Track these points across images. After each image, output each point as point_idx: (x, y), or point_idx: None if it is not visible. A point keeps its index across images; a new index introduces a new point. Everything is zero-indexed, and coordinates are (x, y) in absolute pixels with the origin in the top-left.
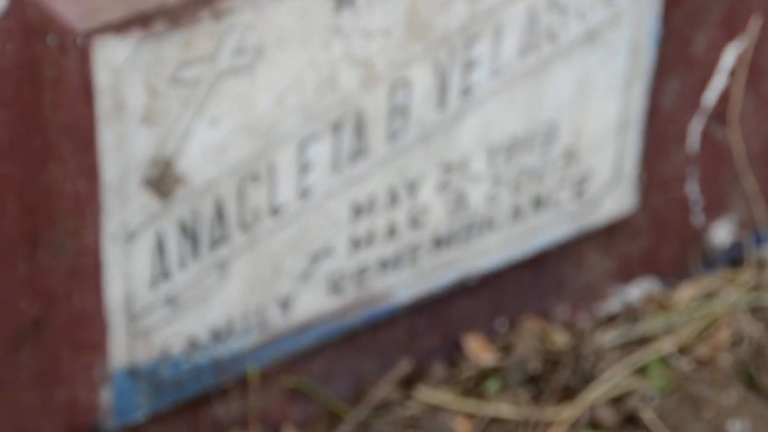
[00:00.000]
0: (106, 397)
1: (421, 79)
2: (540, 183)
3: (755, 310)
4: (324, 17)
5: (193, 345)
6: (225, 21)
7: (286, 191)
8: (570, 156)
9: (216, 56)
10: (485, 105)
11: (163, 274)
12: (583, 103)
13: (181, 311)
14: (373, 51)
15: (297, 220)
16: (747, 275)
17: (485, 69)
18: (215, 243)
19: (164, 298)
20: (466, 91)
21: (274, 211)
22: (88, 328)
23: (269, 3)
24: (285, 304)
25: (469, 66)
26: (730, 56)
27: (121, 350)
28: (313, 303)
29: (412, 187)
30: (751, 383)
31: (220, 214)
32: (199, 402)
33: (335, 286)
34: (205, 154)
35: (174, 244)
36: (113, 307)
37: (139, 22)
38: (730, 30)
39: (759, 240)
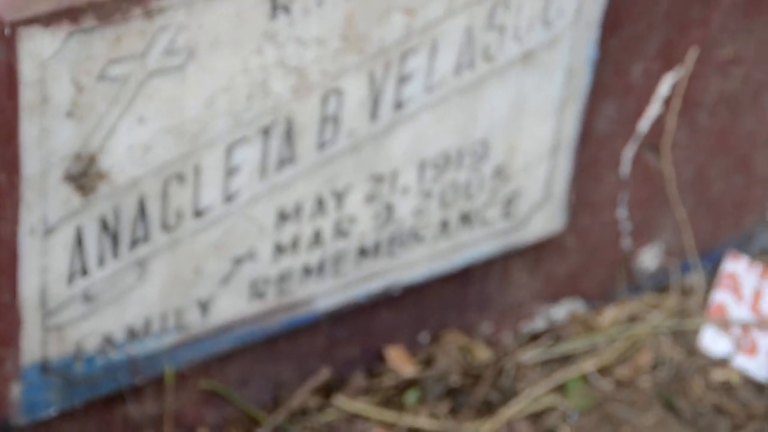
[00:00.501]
0: (16, 392)
1: (355, 90)
2: (469, 199)
3: (677, 335)
4: (259, 22)
5: (109, 343)
6: (157, 20)
7: (211, 194)
8: (501, 174)
9: (146, 55)
10: (417, 119)
11: (81, 270)
12: (516, 123)
13: (97, 308)
14: (307, 59)
15: (221, 223)
16: (671, 301)
17: (419, 83)
18: (136, 242)
19: (81, 295)
20: (399, 105)
21: (198, 213)
22: (1, 321)
23: (203, 4)
24: (204, 306)
25: (403, 80)
26: (665, 85)
27: (34, 345)
28: (233, 306)
29: (340, 197)
30: (669, 406)
31: (142, 213)
32: (113, 400)
33: (256, 291)
34: (130, 152)
35: (94, 240)
36: (28, 301)
37: (69, 16)
38: (667, 60)
39: (685, 267)
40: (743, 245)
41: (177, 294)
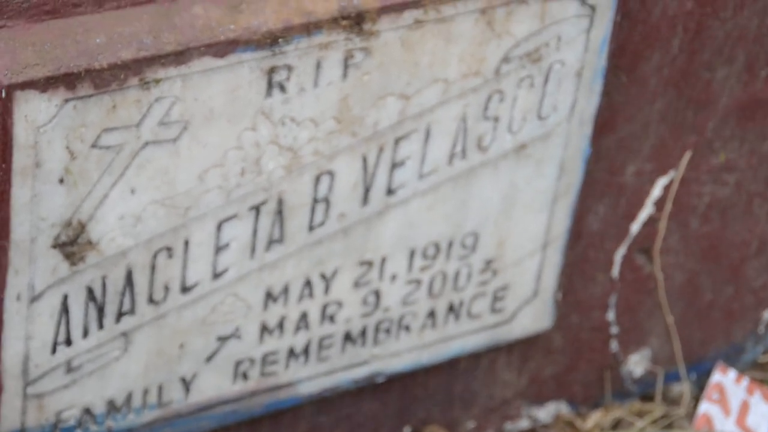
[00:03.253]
0: None
1: (347, 173)
2: (458, 291)
3: None
4: (254, 99)
5: (89, 415)
6: (153, 90)
7: (199, 269)
8: (490, 267)
9: (141, 125)
10: (409, 206)
11: (65, 339)
12: (507, 215)
13: (79, 379)
14: (301, 139)
15: (208, 300)
16: (657, 409)
17: (412, 170)
18: (122, 314)
19: (64, 365)
20: (390, 190)
21: (186, 288)
22: None
23: (199, 77)
24: (187, 384)
25: (396, 165)
26: (658, 188)
27: (14, 413)
28: (216, 385)
29: (328, 280)
30: None
31: (130, 285)
32: None
33: (240, 371)
34: (120, 222)
35: (80, 310)
36: (9, 368)
37: (66, 82)
38: (661, 163)
39: (672, 376)
40: (732, 357)
41: (160, 369)
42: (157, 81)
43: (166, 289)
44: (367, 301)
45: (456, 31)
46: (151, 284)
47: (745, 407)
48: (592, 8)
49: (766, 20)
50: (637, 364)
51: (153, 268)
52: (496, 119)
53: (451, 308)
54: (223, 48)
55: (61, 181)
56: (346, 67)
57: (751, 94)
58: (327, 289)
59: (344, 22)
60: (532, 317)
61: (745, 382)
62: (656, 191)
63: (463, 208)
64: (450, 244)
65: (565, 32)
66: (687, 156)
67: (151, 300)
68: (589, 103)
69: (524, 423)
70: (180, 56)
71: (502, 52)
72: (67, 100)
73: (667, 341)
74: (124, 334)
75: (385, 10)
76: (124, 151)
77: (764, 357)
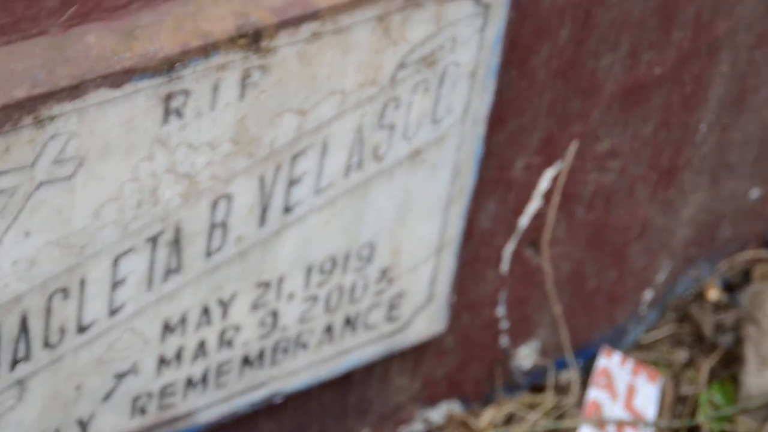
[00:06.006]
0: None
1: (244, 195)
2: (354, 303)
3: None
4: (150, 128)
5: None
6: (48, 128)
7: (96, 308)
8: (386, 277)
9: (35, 165)
10: (305, 223)
11: None
12: (402, 223)
13: None
14: (198, 165)
15: (105, 337)
16: (548, 400)
17: (309, 186)
18: (16, 361)
19: None
20: (287, 209)
21: (82, 328)
22: None
23: (95, 110)
24: (84, 425)
25: (293, 182)
26: (546, 180)
27: None
28: (113, 424)
29: (226, 306)
30: None
31: (24, 331)
32: None
33: (138, 407)
34: (14, 267)
35: None
36: None
37: None
38: (548, 155)
39: (560, 365)
40: (617, 340)
41: (57, 413)
42: (52, 118)
43: (62, 331)
44: (264, 323)
45: (353, 40)
46: (46, 328)
47: (631, 390)
48: (486, 7)
49: (649, 4)
50: (526, 356)
51: (48, 311)
52: (392, 127)
53: (347, 321)
54: (119, 78)
55: None
56: (243, 87)
57: (635, 79)
58: (225, 315)
59: (242, 41)
60: (427, 322)
61: (629, 364)
62: (544, 183)
63: (359, 220)
64: (346, 257)
65: (460, 33)
66: (574, 146)
67: (46, 344)
68: (483, 102)
69: (418, 426)
70: (75, 90)
71: (399, 59)
72: None
73: (555, 331)
74: (19, 382)
75: (282, 25)
76: (18, 194)
77: (646, 337)
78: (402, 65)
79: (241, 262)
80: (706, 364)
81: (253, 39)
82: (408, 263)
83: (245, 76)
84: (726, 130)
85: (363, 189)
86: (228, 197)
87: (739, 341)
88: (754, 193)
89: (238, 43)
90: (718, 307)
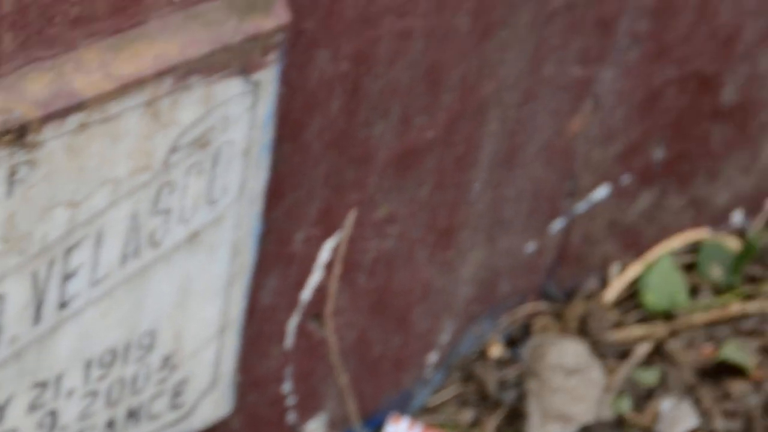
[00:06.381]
0: None
1: (17, 294)
2: (136, 394)
3: None
4: None
5: None
6: None
7: None
8: (168, 364)
9: None
10: (82, 317)
11: None
12: (183, 308)
13: None
14: None
15: None
16: None
17: (84, 279)
18: None
19: None
20: (63, 304)
21: None
22: None
23: None
24: None
25: (67, 277)
26: (326, 251)
27: None
28: None
29: (2, 409)
30: None
31: None
32: None
33: None
34: None
35: None
36: None
37: None
38: (328, 225)
39: None
40: (404, 405)
41: None
42: None
43: None
44: (42, 424)
45: (122, 128)
46: None
47: None
48: (256, 84)
49: (416, 71)
50: (314, 431)
51: None
52: (168, 211)
53: (130, 413)
54: None
55: None
56: (10, 184)
57: (407, 144)
58: (1, 420)
59: (6, 138)
60: (213, 406)
61: (417, 429)
62: (324, 254)
63: (138, 308)
64: (127, 348)
65: (231, 112)
66: (352, 215)
67: None
68: (258, 179)
69: None
70: None
71: (170, 143)
72: None
73: (342, 402)
74: None
75: (48, 118)
76: None
77: (433, 399)
78: (174, 149)
79: (16, 363)
80: (491, 423)
81: (18, 135)
82: (191, 347)
83: (12, 173)
84: (498, 187)
85: (141, 277)
86: (0, 297)
87: (522, 396)
88: (530, 246)
89: (2, 140)
90: (501, 363)
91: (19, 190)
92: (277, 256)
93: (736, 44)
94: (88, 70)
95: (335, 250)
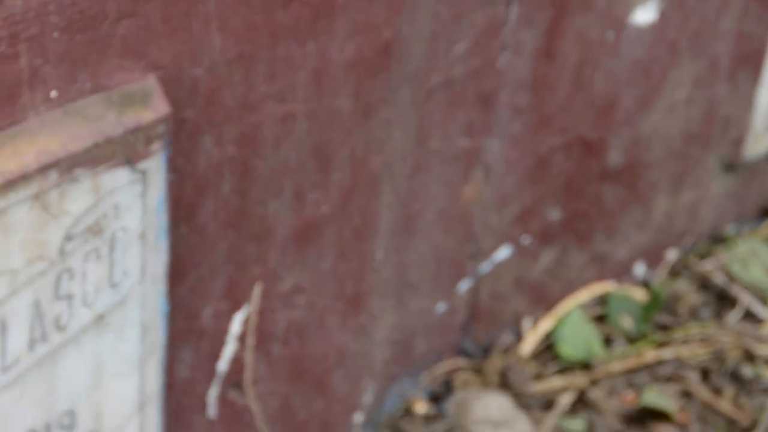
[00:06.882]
0: None
1: None
2: None
3: None
4: None
5: None
6: None
7: None
8: None
9: None
10: None
11: None
12: (98, 387)
13: None
14: None
15: None
16: None
17: None
18: None
19: None
20: None
21: None
22: None
23: None
24: None
25: None
26: (236, 324)
27: None
28: None
29: None
30: None
31: None
32: None
33: None
34: None
35: None
36: None
37: None
38: (234, 299)
39: None
40: None
41: None
42: None
43: None
44: None
45: (12, 221)
46: None
47: None
48: (143, 173)
49: (304, 151)
50: None
51: None
52: (70, 297)
53: None
54: None
55: None
56: None
57: (304, 219)
58: None
59: None
60: None
61: None
62: (236, 327)
63: (53, 390)
64: (48, 428)
65: (121, 200)
66: (258, 288)
67: None
68: (158, 262)
69: None
70: None
71: (63, 232)
72: None
73: None
74: None
75: None
76: None
77: None
78: (68, 237)
79: None
80: None
81: None
82: (112, 424)
83: None
84: (401, 253)
85: (51, 360)
86: None
87: None
88: (440, 307)
89: None
90: (427, 419)
91: None
92: (188, 331)
93: (616, 111)
94: None
95: (246, 322)
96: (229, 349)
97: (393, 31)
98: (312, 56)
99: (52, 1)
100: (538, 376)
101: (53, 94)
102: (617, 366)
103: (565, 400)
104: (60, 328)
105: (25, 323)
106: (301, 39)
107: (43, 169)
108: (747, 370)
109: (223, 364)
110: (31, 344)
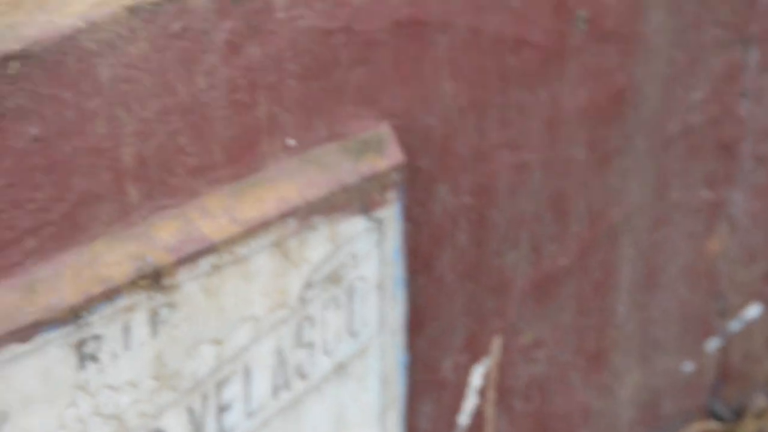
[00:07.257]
0: None
1: (175, 427)
2: None
3: None
4: (68, 375)
5: None
6: None
7: None
8: None
9: None
10: None
11: None
12: None
13: None
14: (123, 404)
15: None
16: None
17: (239, 411)
18: None
19: None
20: None
21: None
22: None
23: (10, 365)
24: None
25: (222, 409)
26: (477, 376)
27: None
28: None
29: None
30: None
31: None
32: None
33: None
34: None
35: None
36: None
37: None
38: (474, 352)
39: None
40: None
41: None
42: None
43: None
44: None
45: (254, 268)
46: None
47: None
48: (379, 221)
49: (541, 202)
50: None
51: None
52: (311, 345)
53: None
54: (26, 332)
55: None
56: (154, 324)
57: (542, 272)
58: None
59: (143, 282)
60: None
61: None
62: (476, 380)
63: None
64: None
65: (358, 249)
66: (497, 341)
67: None
68: (396, 312)
69: None
70: None
71: (304, 280)
72: None
73: None
74: None
75: (181, 262)
76: None
77: None
78: (308, 285)
79: None
80: None
81: (153, 279)
82: None
83: (153, 314)
84: (644, 308)
85: (294, 407)
86: (160, 431)
87: None
88: (687, 366)
89: (139, 284)
90: None
91: (163, 331)
92: (428, 383)
93: None
94: (214, 215)
95: (486, 376)
96: (470, 403)
97: (627, 76)
98: (544, 102)
99: (288, 48)
100: None
101: (291, 142)
102: None
103: None
104: (302, 375)
105: (269, 370)
106: (532, 84)
107: (283, 217)
108: None
109: (464, 418)
110: (275, 391)
